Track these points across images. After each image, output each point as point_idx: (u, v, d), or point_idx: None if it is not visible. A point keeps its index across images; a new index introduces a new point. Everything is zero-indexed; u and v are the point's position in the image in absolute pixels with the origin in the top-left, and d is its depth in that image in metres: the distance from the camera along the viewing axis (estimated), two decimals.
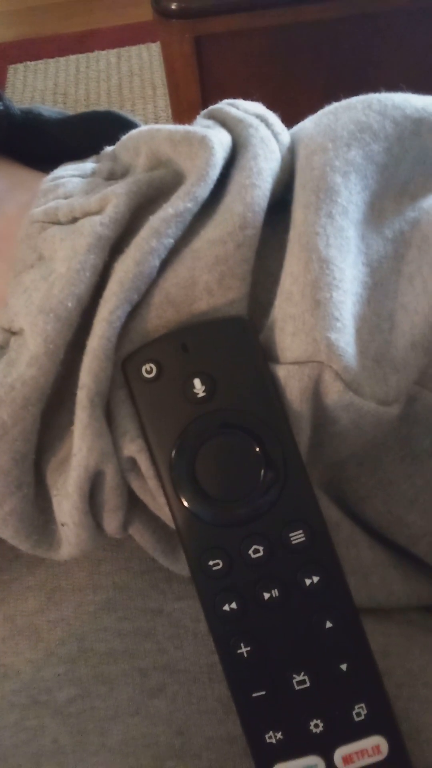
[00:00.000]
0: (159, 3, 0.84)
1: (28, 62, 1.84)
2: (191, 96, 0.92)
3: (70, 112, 0.34)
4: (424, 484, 0.25)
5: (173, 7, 0.83)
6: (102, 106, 1.68)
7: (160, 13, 0.84)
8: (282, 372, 0.22)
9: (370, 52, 0.90)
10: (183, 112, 0.95)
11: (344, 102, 0.26)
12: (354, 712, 0.21)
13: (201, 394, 0.22)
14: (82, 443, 0.22)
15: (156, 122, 1.61)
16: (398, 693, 0.24)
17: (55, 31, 1.91)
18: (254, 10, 0.83)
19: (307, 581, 0.21)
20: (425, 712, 0.24)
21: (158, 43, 1.72)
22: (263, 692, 0.21)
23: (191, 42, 0.86)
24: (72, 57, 1.83)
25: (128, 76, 1.76)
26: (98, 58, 1.82)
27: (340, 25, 0.87)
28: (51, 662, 0.25)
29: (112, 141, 0.30)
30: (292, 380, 0.22)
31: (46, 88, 1.77)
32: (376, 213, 0.25)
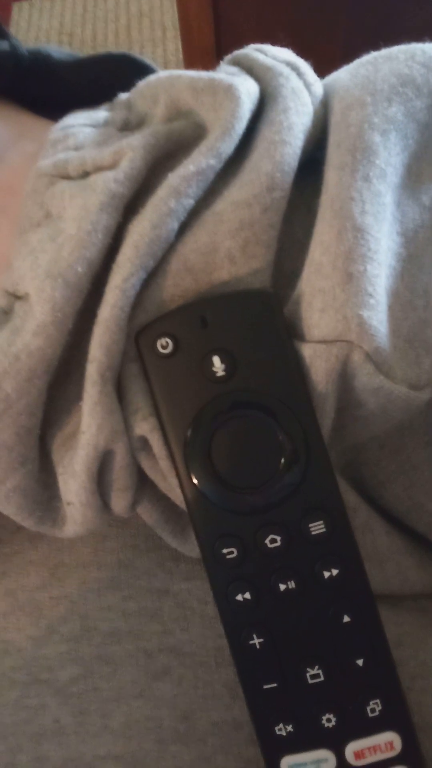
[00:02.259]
0: None
1: (34, 0, 1.76)
2: (205, 40, 0.87)
3: (81, 53, 0.31)
4: None
5: None
6: (109, 48, 1.61)
7: None
8: (308, 351, 0.20)
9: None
10: (195, 58, 0.90)
11: (384, 51, 0.24)
12: (368, 708, 0.20)
13: (220, 373, 0.20)
14: (91, 421, 0.21)
15: (165, 67, 1.55)
16: (411, 685, 0.23)
17: None
18: None
19: (326, 574, 0.20)
20: None
21: None
22: (275, 684, 0.20)
23: None
24: None
25: (137, 17, 1.68)
26: None
27: None
28: (53, 640, 0.25)
29: (127, 87, 0.27)
30: (318, 360, 0.20)
31: (51, 27, 1.69)
32: (413, 177, 0.23)
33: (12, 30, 1.70)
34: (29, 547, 0.27)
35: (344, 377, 0.20)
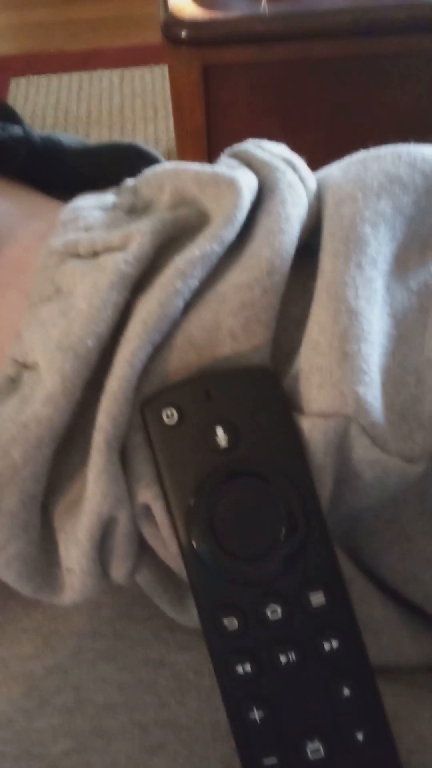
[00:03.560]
0: (169, 30, 0.84)
1: (31, 76, 1.85)
2: (196, 123, 0.92)
3: (84, 137, 0.34)
4: None
5: (183, 35, 0.84)
6: (103, 125, 1.69)
7: (170, 40, 0.85)
8: (306, 424, 0.21)
9: (373, 91, 0.92)
10: (187, 138, 0.95)
11: (373, 152, 0.26)
12: None
13: (223, 444, 0.21)
14: (96, 488, 0.21)
15: (156, 144, 1.62)
16: (408, 759, 0.23)
17: (59, 48, 1.92)
18: (263, 44, 0.85)
19: (326, 646, 0.20)
20: None
21: (161, 65, 1.74)
22: (275, 759, 0.20)
23: (199, 70, 0.87)
24: (75, 74, 1.84)
25: (130, 97, 1.77)
26: (101, 76, 1.83)
27: (346, 63, 0.88)
28: (46, 712, 0.24)
29: (133, 174, 0.29)
30: (316, 433, 0.21)
31: (47, 103, 1.77)
32: (401, 264, 0.25)
33: (9, 104, 1.78)
34: (22, 615, 0.27)
35: (341, 450, 0.21)
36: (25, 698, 0.25)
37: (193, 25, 0.84)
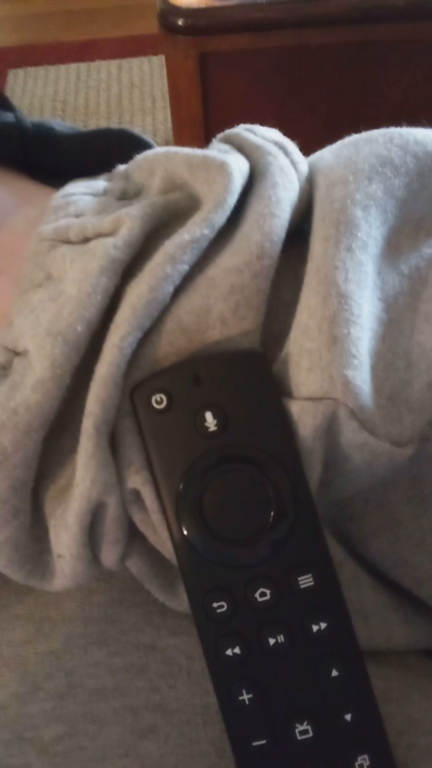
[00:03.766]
0: (166, 18, 0.84)
1: (29, 68, 1.84)
2: (193, 111, 0.92)
3: (81, 127, 0.34)
4: (431, 526, 0.24)
5: (180, 23, 0.83)
6: (101, 116, 1.68)
7: (167, 28, 0.84)
8: (295, 407, 0.21)
9: (371, 78, 0.91)
10: (184, 127, 0.95)
11: (364, 134, 0.26)
12: (357, 764, 0.20)
13: (212, 428, 0.21)
14: (85, 474, 0.21)
15: (154, 134, 1.62)
16: (398, 740, 0.23)
17: (57, 39, 1.91)
18: (260, 32, 0.84)
19: (315, 628, 0.20)
20: (424, 762, 0.23)
21: (159, 56, 1.73)
22: (264, 741, 0.20)
23: (196, 58, 0.86)
24: (73, 65, 1.83)
25: (128, 88, 1.76)
26: (99, 67, 1.82)
27: (343, 50, 0.88)
28: (38, 697, 0.24)
29: (125, 160, 0.29)
30: (305, 416, 0.21)
31: (45, 94, 1.76)
32: (392, 247, 0.25)
33: (7, 95, 1.77)
34: (15, 602, 0.27)
35: (330, 433, 0.21)
36: (18, 684, 0.25)
37: (190, 13, 0.83)
